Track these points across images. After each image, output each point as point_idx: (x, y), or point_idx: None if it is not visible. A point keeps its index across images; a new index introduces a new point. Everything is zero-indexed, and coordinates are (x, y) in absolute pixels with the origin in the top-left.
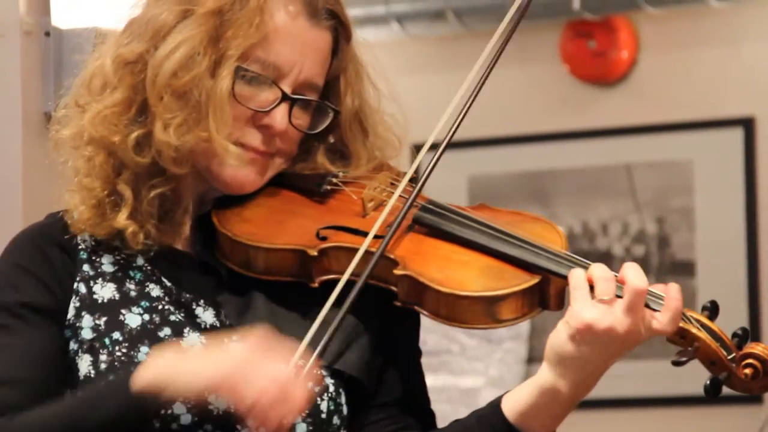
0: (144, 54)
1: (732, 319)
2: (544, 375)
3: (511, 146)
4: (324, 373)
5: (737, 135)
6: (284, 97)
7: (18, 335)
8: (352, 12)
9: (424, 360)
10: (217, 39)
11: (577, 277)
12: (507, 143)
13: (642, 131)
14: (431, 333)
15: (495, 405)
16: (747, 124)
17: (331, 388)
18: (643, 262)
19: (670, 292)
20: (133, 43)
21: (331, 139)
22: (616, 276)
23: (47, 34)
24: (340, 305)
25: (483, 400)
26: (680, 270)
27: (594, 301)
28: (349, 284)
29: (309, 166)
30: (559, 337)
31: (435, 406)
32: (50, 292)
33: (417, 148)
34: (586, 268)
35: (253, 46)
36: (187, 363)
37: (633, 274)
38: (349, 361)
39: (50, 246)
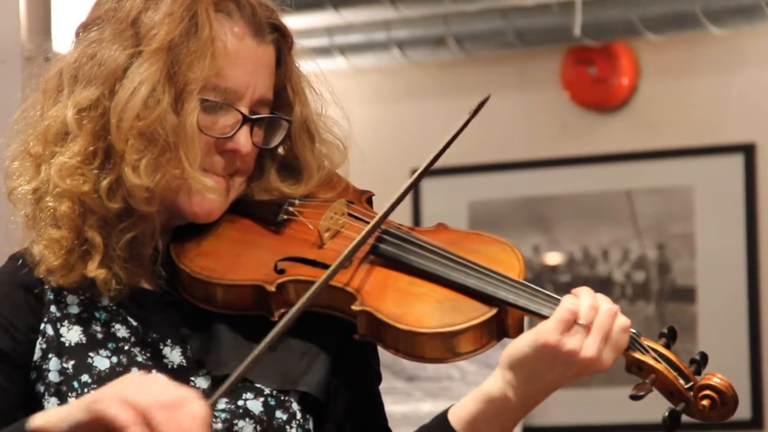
0: (101, 99)
1: (732, 345)
2: (494, 382)
3: (512, 172)
4: (291, 399)
5: (737, 161)
6: (245, 120)
7: None
8: (352, 38)
9: (424, 386)
10: (173, 74)
11: (570, 304)
12: (507, 169)
13: (643, 157)
14: None
15: (441, 417)
16: (747, 151)
17: (299, 415)
18: (644, 288)
19: (613, 321)
20: (87, 89)
21: (282, 152)
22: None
23: (48, 59)
24: (294, 335)
25: None
26: (681, 296)
27: (569, 324)
28: (305, 316)
29: (263, 186)
30: (521, 346)
31: None
32: (12, 337)
33: (414, 173)
34: (546, 299)
35: (209, 76)
36: (71, 403)
37: (605, 302)
38: (310, 381)
39: (15, 288)
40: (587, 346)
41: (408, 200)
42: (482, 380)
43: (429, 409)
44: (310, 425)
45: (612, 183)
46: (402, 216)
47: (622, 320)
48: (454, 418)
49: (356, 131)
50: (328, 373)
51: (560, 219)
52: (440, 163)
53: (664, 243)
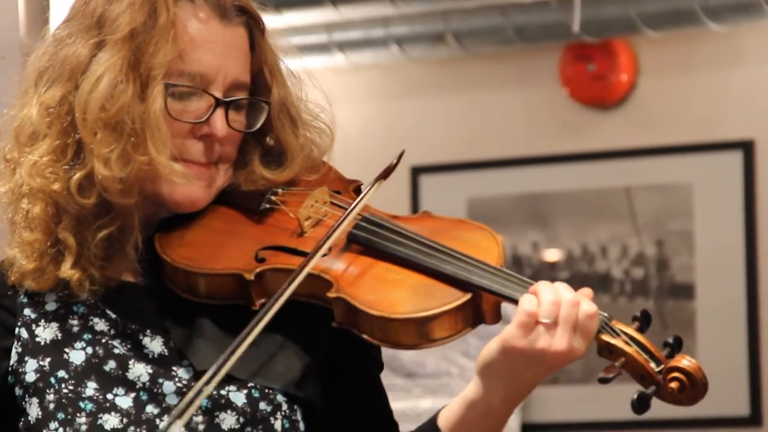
0: (66, 95)
1: (731, 342)
2: (474, 389)
3: (511, 169)
4: (275, 392)
5: (737, 158)
6: (218, 103)
7: None
8: (351, 35)
9: (423, 383)
10: (136, 62)
11: (527, 305)
12: (506, 166)
13: (641, 154)
14: (431, 356)
15: (432, 420)
16: (746, 147)
17: (284, 406)
18: (643, 285)
19: (583, 307)
20: (52, 87)
21: (270, 140)
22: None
23: None
24: (278, 327)
25: None
26: (679, 293)
27: (531, 327)
28: (290, 306)
29: (248, 175)
30: (491, 353)
31: None
32: None
33: (415, 170)
34: (520, 284)
35: (174, 61)
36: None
37: (566, 291)
38: (291, 378)
39: None
40: (556, 340)
41: (407, 196)
42: None
43: (428, 405)
44: (298, 416)
45: (611, 180)
46: (401, 212)
47: (587, 307)
48: (442, 422)
49: (355, 128)
50: (317, 368)
51: (559, 215)
52: (439, 160)
53: (663, 240)
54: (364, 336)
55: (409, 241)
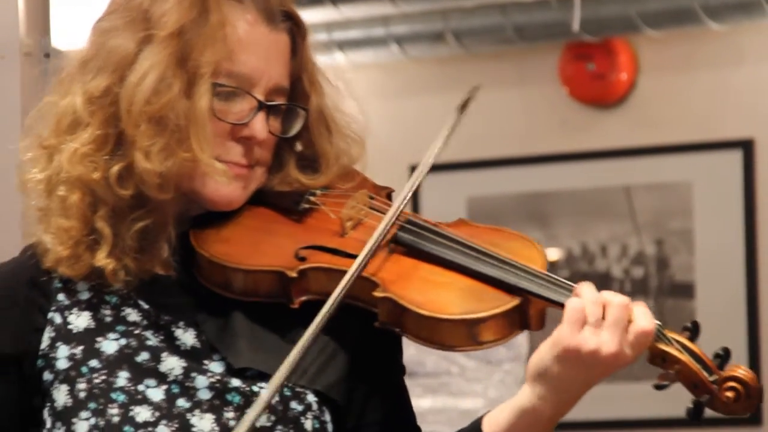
0: (111, 86)
1: (731, 341)
2: (525, 396)
3: (510, 168)
4: (306, 391)
5: (736, 157)
6: (260, 106)
7: None
8: (351, 34)
9: (423, 381)
10: (183, 59)
11: (574, 303)
12: (506, 165)
13: (641, 153)
14: (430, 355)
15: (476, 426)
16: (746, 146)
17: (315, 407)
18: (642, 284)
19: (635, 310)
20: (98, 77)
21: (299, 146)
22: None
23: (47, 55)
24: (322, 327)
25: None
26: (679, 292)
27: (581, 323)
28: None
29: (283, 179)
30: (542, 358)
31: (434, 427)
32: (13, 338)
33: (415, 169)
34: (567, 288)
35: (221, 61)
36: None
37: (614, 295)
38: (325, 380)
39: (19, 286)
40: (606, 342)
41: None
42: (481, 376)
43: (428, 404)
44: (327, 417)
45: (611, 179)
46: None
47: (641, 311)
48: (487, 428)
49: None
50: (346, 370)
51: (559, 215)
52: (438, 159)
53: (663, 239)
54: (410, 336)
55: (455, 245)
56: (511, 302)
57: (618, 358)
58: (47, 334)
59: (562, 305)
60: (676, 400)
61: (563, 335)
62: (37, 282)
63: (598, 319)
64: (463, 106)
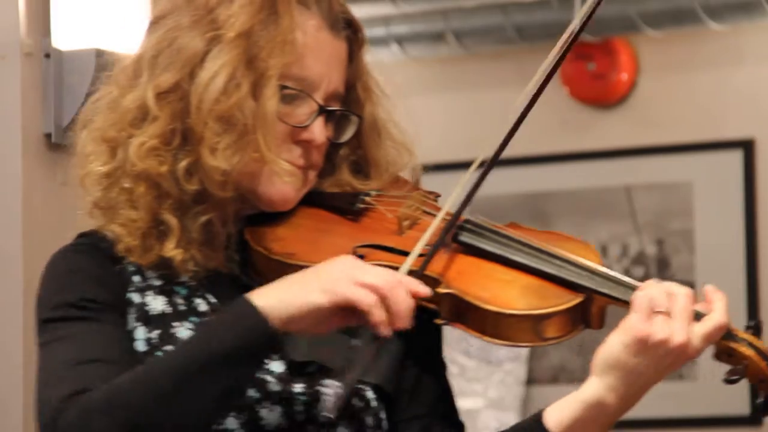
0: (180, 82)
1: None
2: (592, 388)
3: (511, 167)
4: (366, 388)
5: (737, 157)
6: (321, 110)
7: (92, 323)
8: None
9: None
10: (251, 60)
11: (643, 297)
12: (506, 164)
13: (642, 153)
14: None
15: (537, 419)
16: (747, 146)
17: (373, 404)
18: None
19: (715, 303)
20: (167, 72)
21: (349, 150)
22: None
23: (47, 55)
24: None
25: (482, 422)
26: None
27: (651, 312)
28: None
29: (335, 182)
30: (612, 349)
31: None
32: (108, 289)
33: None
34: (629, 286)
35: (288, 64)
36: (285, 288)
37: (678, 286)
38: (381, 374)
39: (99, 254)
40: (676, 331)
41: None
42: (482, 376)
43: None
44: (383, 414)
45: (611, 178)
46: None
47: (719, 305)
48: (550, 421)
49: None
50: (398, 365)
51: (559, 214)
52: (439, 159)
53: (663, 239)
54: (473, 332)
55: (516, 244)
56: (574, 299)
57: (686, 349)
58: (131, 315)
59: (624, 302)
60: (677, 400)
61: (633, 324)
62: (114, 258)
63: (668, 309)
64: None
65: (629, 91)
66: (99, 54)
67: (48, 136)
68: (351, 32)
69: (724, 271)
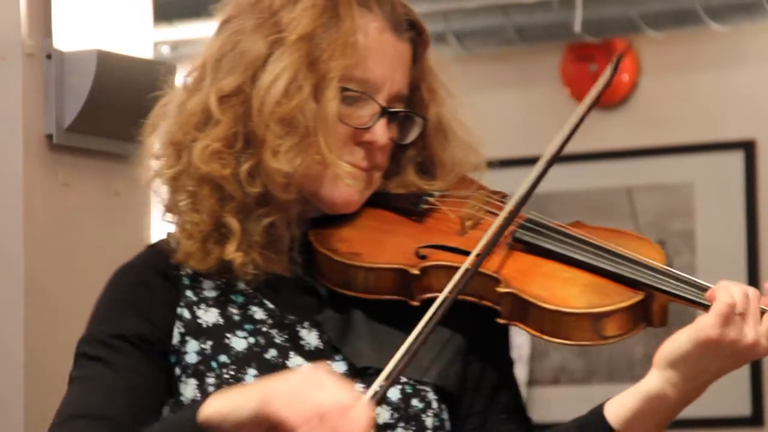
0: (242, 86)
1: None
2: (653, 381)
3: (512, 169)
4: (427, 389)
5: (738, 158)
6: (383, 112)
7: (111, 368)
8: None
9: None
10: (312, 63)
11: (726, 297)
12: (507, 166)
13: (643, 154)
14: None
15: (597, 412)
16: (747, 147)
17: (434, 404)
18: None
19: None
20: (229, 76)
21: (415, 151)
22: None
23: (49, 56)
24: (438, 322)
25: None
26: None
27: (731, 316)
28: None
29: (401, 183)
30: (679, 344)
31: None
32: (150, 323)
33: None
34: (692, 284)
35: (350, 67)
36: (241, 392)
37: (749, 288)
38: (443, 374)
39: (153, 276)
40: (747, 333)
41: None
42: None
43: None
44: (445, 415)
45: (612, 180)
46: None
47: None
48: (610, 415)
49: None
50: (462, 364)
51: (560, 215)
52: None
53: (665, 240)
54: (532, 331)
55: (576, 242)
56: (635, 297)
57: (754, 349)
58: (177, 330)
59: (687, 300)
60: None
61: (709, 325)
62: (168, 276)
63: (746, 311)
64: (615, 65)
65: (630, 92)
66: (100, 55)
67: (49, 136)
68: (415, 34)
69: (725, 271)
